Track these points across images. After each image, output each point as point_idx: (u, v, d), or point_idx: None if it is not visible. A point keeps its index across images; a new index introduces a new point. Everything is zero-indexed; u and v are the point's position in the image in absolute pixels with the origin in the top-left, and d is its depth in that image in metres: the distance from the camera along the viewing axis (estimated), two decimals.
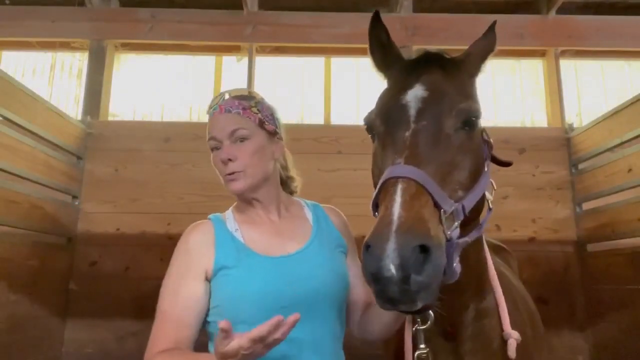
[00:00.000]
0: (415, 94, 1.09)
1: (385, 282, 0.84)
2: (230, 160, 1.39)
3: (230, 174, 1.40)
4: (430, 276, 0.86)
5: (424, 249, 0.86)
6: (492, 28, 1.28)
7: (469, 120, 1.08)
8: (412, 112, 1.06)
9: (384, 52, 1.28)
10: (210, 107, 1.50)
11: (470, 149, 1.08)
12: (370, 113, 1.16)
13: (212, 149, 1.46)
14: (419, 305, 0.87)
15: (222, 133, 1.41)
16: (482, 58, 1.24)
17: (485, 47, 1.25)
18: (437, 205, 0.95)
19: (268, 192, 1.47)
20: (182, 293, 1.33)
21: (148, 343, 1.33)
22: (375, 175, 1.13)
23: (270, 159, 1.47)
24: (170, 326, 1.31)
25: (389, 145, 1.07)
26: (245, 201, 1.48)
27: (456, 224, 0.98)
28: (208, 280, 1.36)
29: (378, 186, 1.00)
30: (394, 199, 0.91)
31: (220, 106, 1.45)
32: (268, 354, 1.23)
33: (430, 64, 1.16)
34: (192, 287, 1.34)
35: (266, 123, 1.46)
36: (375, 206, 1.00)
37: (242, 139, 1.41)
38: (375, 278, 0.85)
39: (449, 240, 0.94)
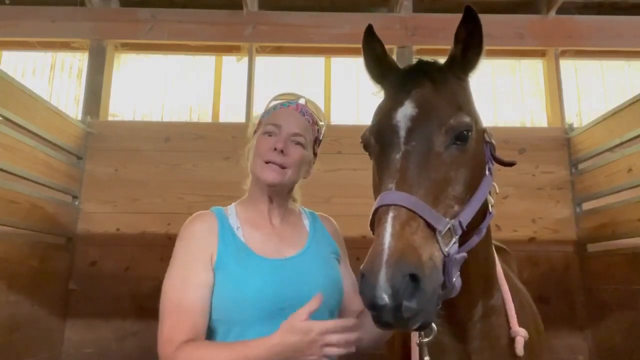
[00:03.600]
0: (404, 113, 1.09)
1: (379, 310, 0.88)
2: (282, 152, 1.41)
3: (272, 162, 1.41)
4: (422, 302, 0.89)
5: (415, 277, 0.89)
6: (467, 16, 1.13)
7: (460, 134, 1.07)
8: (402, 132, 1.07)
9: (379, 65, 1.28)
10: (283, 98, 1.53)
11: (464, 162, 1.07)
12: (365, 131, 1.17)
13: (264, 133, 1.46)
14: (415, 326, 0.92)
15: (288, 127, 1.45)
16: (470, 55, 1.17)
17: (469, 42, 1.16)
18: (431, 227, 0.96)
19: (282, 200, 1.52)
20: (193, 281, 1.32)
21: (162, 335, 1.27)
22: (375, 193, 1.13)
23: (301, 175, 1.52)
24: (186, 315, 1.27)
25: (383, 167, 1.08)
26: (261, 195, 1.48)
27: (454, 239, 0.99)
28: (213, 269, 1.35)
29: (372, 211, 1.02)
30: (384, 228, 0.94)
31: (297, 104, 1.50)
32: None
33: (421, 76, 1.14)
34: (201, 274, 1.33)
35: (317, 145, 1.56)
36: (373, 226, 1.02)
37: (298, 143, 1.45)
38: (370, 306, 0.90)
39: (447, 256, 0.97)
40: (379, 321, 0.91)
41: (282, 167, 1.41)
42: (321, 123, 1.56)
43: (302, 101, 1.53)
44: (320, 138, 1.58)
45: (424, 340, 1.14)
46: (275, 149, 1.40)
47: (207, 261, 1.35)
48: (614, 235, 2.99)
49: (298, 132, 1.45)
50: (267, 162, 1.41)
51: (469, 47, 1.17)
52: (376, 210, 1.00)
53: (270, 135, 1.44)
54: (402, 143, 1.06)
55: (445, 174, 1.04)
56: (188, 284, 1.31)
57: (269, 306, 1.30)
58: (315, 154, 1.57)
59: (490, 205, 1.17)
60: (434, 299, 0.93)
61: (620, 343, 2.90)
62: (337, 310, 1.46)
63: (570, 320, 3.25)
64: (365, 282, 0.90)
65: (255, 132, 1.54)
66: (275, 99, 1.55)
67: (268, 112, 1.52)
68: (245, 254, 1.37)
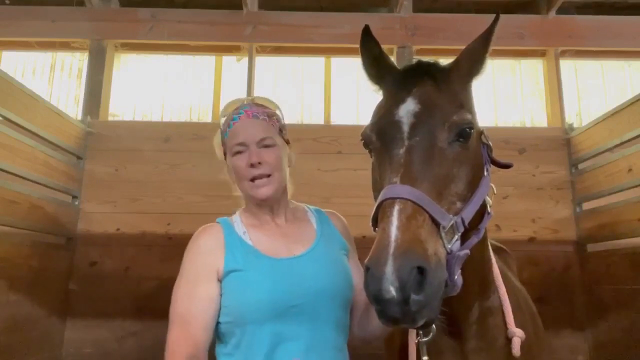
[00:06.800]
0: (407, 109, 1.09)
1: (386, 303, 0.87)
2: (259, 163, 1.41)
3: (257, 179, 1.42)
4: (429, 295, 0.88)
5: (422, 270, 0.88)
6: (492, 26, 1.22)
7: (463, 131, 1.07)
8: (405, 128, 1.07)
9: (377, 65, 1.28)
10: (231, 111, 1.51)
11: (466, 159, 1.08)
12: (366, 128, 1.17)
13: (235, 154, 1.46)
14: (420, 322, 0.90)
15: (251, 139, 1.44)
16: (476, 61, 1.21)
17: (478, 50, 1.21)
18: (435, 222, 0.96)
19: (280, 203, 1.53)
20: (198, 295, 1.34)
21: (167, 346, 1.31)
22: (375, 190, 1.13)
23: (287, 166, 1.53)
24: (189, 329, 1.31)
25: (385, 162, 1.08)
26: (260, 208, 1.50)
27: (456, 236, 0.99)
28: (219, 280, 1.37)
29: (376, 205, 1.02)
30: (390, 221, 0.93)
31: (246, 111, 1.48)
32: (278, 353, 1.29)
33: (422, 75, 1.15)
34: (206, 288, 1.35)
35: (283, 132, 1.55)
36: (375, 221, 1.01)
37: (268, 146, 1.45)
38: (376, 299, 0.88)
39: (449, 253, 0.96)
40: (384, 316, 0.90)
41: (267, 175, 1.43)
42: (276, 112, 1.56)
43: (247, 106, 1.51)
44: (283, 123, 1.58)
45: (423, 339, 1.14)
46: (252, 164, 1.41)
47: (213, 275, 1.37)
48: (614, 235, 2.99)
49: (262, 136, 1.45)
50: (252, 180, 1.43)
51: (478, 57, 1.20)
52: (380, 203, 0.99)
53: (241, 153, 1.45)
54: (405, 138, 1.06)
55: (448, 170, 1.04)
56: (193, 298, 1.34)
57: (280, 304, 1.32)
58: (287, 141, 1.57)
59: (488, 206, 1.18)
60: (439, 294, 0.92)
61: (620, 343, 2.90)
62: (349, 303, 1.47)
63: (570, 320, 3.25)
64: (371, 275, 0.88)
65: (225, 155, 1.53)
66: (224, 114, 1.54)
67: (225, 133, 1.50)
68: (254, 255, 1.39)
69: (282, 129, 1.54)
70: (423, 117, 1.07)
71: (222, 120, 1.54)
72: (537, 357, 1.44)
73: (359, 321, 1.51)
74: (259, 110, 1.50)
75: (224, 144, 1.53)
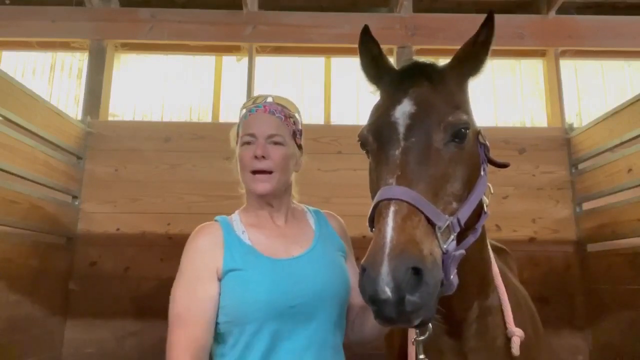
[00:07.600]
0: (403, 110, 1.09)
1: (381, 304, 0.87)
2: (263, 157, 1.42)
3: (258, 173, 1.43)
4: (424, 296, 0.88)
5: (418, 270, 0.88)
6: (485, 23, 1.20)
7: (458, 132, 1.08)
8: (401, 129, 1.07)
9: (375, 66, 1.29)
10: (251, 104, 1.54)
11: (462, 159, 1.08)
12: (362, 129, 1.17)
13: (243, 144, 1.48)
14: (416, 322, 0.91)
15: (261, 132, 1.46)
16: (473, 61, 1.20)
17: (475, 48, 1.20)
18: (431, 222, 0.96)
19: (281, 202, 1.53)
20: (198, 294, 1.33)
21: (168, 348, 1.30)
22: (372, 191, 1.14)
23: (292, 170, 1.54)
24: (190, 329, 1.30)
25: (381, 163, 1.08)
26: (259, 204, 1.50)
27: (452, 236, 1.00)
28: (219, 280, 1.37)
29: (372, 206, 1.02)
30: (386, 222, 0.94)
31: (264, 106, 1.51)
32: (275, 353, 1.29)
33: (418, 76, 1.15)
34: (206, 288, 1.34)
35: (297, 136, 1.56)
36: (372, 222, 1.01)
37: (277, 143, 1.46)
38: (372, 300, 0.89)
39: (445, 253, 0.96)
40: (380, 316, 0.90)
41: (269, 172, 1.43)
42: (295, 115, 1.58)
43: (269, 100, 1.53)
44: (300, 128, 1.59)
45: (420, 338, 1.14)
46: (256, 156, 1.43)
47: (212, 274, 1.36)
48: (614, 235, 2.99)
49: (272, 132, 1.46)
50: (253, 172, 1.44)
51: (476, 56, 1.20)
52: (376, 204, 1.00)
53: (249, 144, 1.46)
54: (401, 139, 1.06)
55: (444, 170, 1.05)
56: (193, 298, 1.33)
57: (279, 305, 1.31)
58: (299, 146, 1.58)
59: (485, 205, 1.18)
60: (435, 294, 0.92)
61: (620, 343, 2.90)
62: (346, 305, 1.47)
63: (570, 320, 3.25)
64: (367, 276, 0.89)
65: (237, 144, 1.56)
66: (244, 106, 1.57)
67: (241, 123, 1.54)
68: (253, 255, 1.39)
69: (296, 133, 1.56)
70: (419, 118, 1.07)
71: (242, 112, 1.56)
72: (537, 357, 1.44)
73: (354, 323, 1.51)
74: (277, 108, 1.52)
75: (238, 134, 1.55)
